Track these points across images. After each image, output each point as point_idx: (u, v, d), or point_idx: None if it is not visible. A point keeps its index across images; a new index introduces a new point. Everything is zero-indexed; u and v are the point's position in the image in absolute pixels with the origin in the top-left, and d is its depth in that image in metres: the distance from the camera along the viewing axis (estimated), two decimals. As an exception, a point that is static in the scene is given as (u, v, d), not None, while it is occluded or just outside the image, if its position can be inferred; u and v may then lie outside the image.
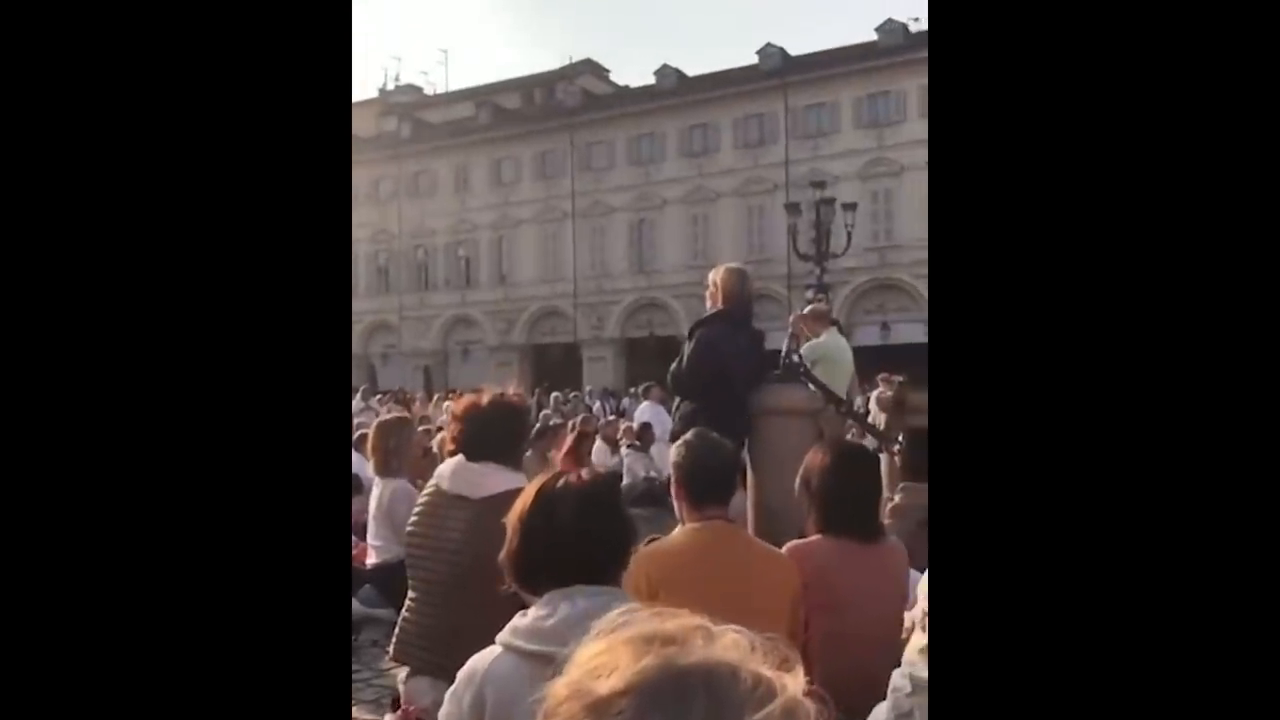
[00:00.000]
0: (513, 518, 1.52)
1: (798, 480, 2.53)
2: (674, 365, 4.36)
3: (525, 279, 33.96)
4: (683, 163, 30.88)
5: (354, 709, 3.00)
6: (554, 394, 20.09)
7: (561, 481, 1.52)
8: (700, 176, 30.74)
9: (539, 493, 1.51)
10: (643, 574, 1.84)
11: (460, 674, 1.41)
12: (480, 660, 1.39)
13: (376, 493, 4.45)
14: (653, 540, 2.23)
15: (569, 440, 8.26)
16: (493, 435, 2.99)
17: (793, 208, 19.17)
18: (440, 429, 9.86)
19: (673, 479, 2.30)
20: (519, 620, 1.39)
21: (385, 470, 4.47)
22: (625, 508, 1.55)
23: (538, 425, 7.45)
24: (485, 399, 3.12)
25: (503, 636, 1.39)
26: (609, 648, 0.57)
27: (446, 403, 17.23)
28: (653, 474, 8.70)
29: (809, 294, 16.81)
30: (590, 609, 1.36)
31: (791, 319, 6.00)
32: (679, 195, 31.09)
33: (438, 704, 2.70)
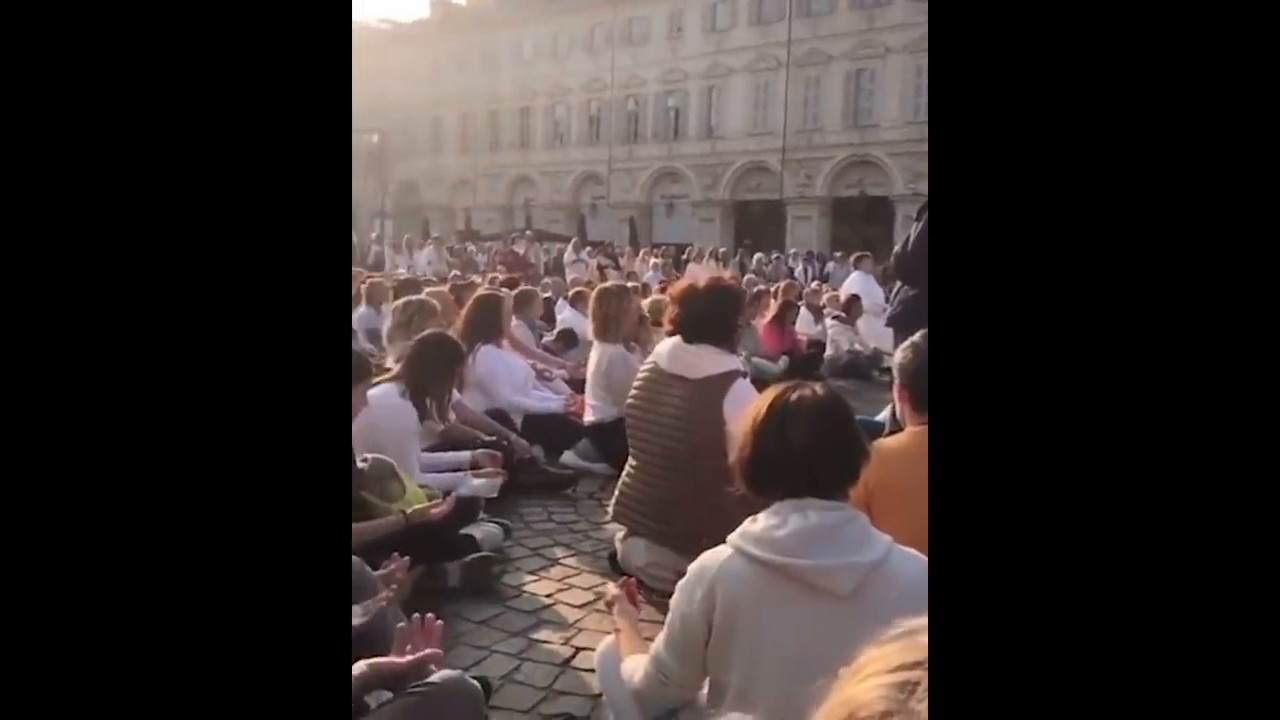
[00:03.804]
0: (745, 425, 1.58)
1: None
2: (898, 247, 4.22)
3: (733, 132, 33.19)
4: (910, 7, 28.36)
5: (573, 560, 3.32)
6: (756, 255, 19.93)
7: (796, 395, 1.56)
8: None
9: (773, 405, 1.56)
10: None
11: (691, 569, 1.53)
12: (712, 558, 1.50)
13: (595, 356, 4.70)
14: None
15: (773, 307, 8.26)
16: (709, 318, 3.08)
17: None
18: (646, 286, 10.15)
19: (896, 381, 2.29)
20: (750, 525, 1.48)
21: (604, 335, 4.69)
22: (858, 424, 1.57)
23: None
24: (702, 282, 3.19)
25: (733, 539, 1.48)
26: None
27: (653, 259, 17.55)
28: (857, 347, 8.58)
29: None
30: (822, 524, 1.43)
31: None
32: (903, 43, 28.70)
33: (652, 564, 2.96)
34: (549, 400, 5.10)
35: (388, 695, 1.65)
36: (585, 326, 6.47)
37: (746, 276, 13.08)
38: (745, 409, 1.80)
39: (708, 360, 2.97)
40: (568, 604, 2.92)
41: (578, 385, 5.44)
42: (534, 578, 3.14)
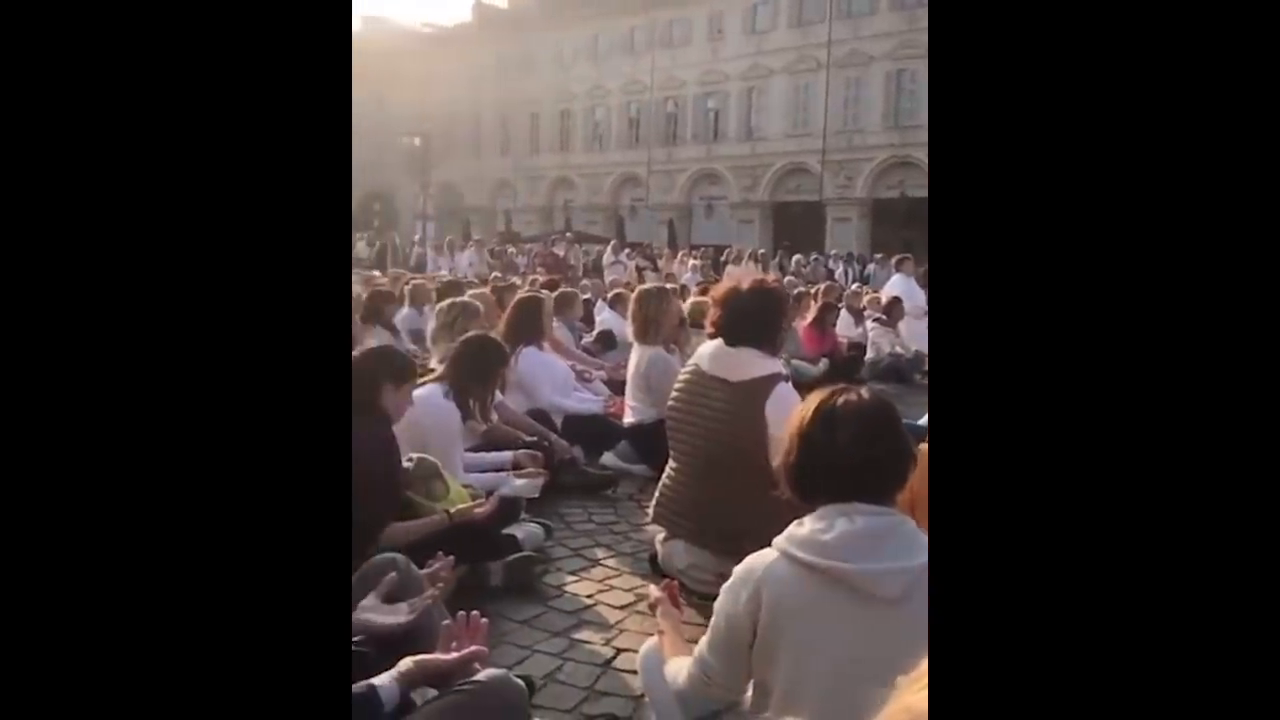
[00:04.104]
0: (790, 430, 1.58)
1: None
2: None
3: (773, 133, 33.05)
4: (953, 7, 27.98)
5: (614, 561, 3.33)
6: (795, 256, 19.83)
7: (841, 399, 1.55)
8: (973, 22, 27.82)
9: (818, 409, 1.56)
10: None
11: (736, 571, 1.53)
12: (758, 560, 1.50)
13: (635, 358, 4.71)
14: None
15: (813, 309, 8.22)
16: (751, 321, 3.07)
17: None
18: (684, 287, 10.15)
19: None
20: (796, 529, 1.48)
21: (644, 337, 4.70)
22: (904, 428, 1.56)
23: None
24: (745, 284, 3.18)
25: (779, 542, 1.48)
26: None
27: (692, 260, 17.53)
28: (899, 349, 8.50)
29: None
30: (869, 528, 1.43)
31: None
32: (946, 43, 28.40)
33: (692, 566, 2.96)
34: (589, 401, 5.12)
35: (433, 692, 1.67)
36: (624, 328, 6.49)
37: (786, 278, 13.02)
38: (787, 412, 1.80)
39: (750, 363, 2.97)
40: (609, 605, 2.93)
41: (617, 387, 5.46)
42: (575, 578, 3.16)
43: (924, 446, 2.26)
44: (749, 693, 1.59)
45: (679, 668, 1.71)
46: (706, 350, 3.10)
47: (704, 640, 1.61)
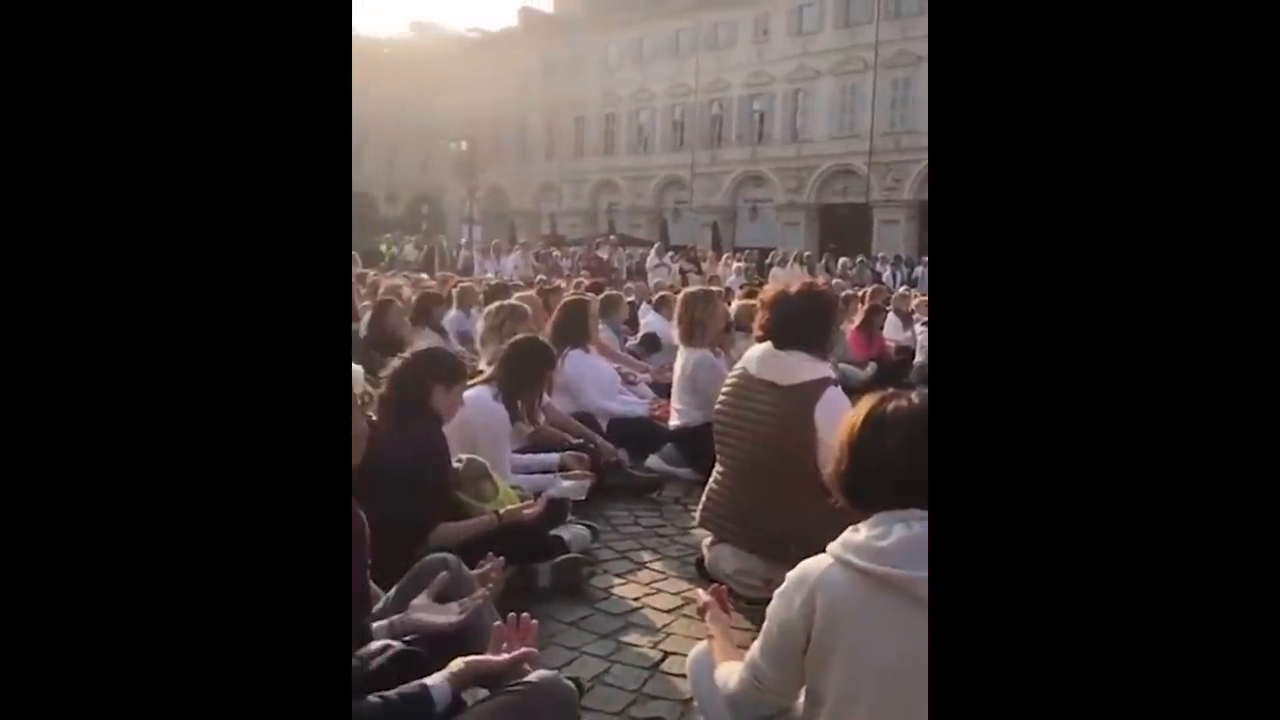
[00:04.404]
0: (841, 437, 1.56)
1: None
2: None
3: (819, 135, 32.81)
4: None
5: (660, 564, 3.33)
6: (841, 259, 19.65)
7: (892, 405, 1.53)
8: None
9: (869, 415, 1.54)
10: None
11: (790, 576, 1.52)
12: (812, 566, 1.48)
13: (681, 360, 4.71)
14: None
15: (860, 312, 8.13)
16: (801, 324, 3.05)
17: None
18: (728, 290, 10.12)
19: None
20: (851, 535, 1.46)
21: (690, 339, 4.70)
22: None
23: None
24: (794, 288, 3.16)
25: (834, 549, 1.47)
26: None
27: (736, 263, 17.48)
28: (947, 354, 8.35)
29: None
30: (926, 534, 1.40)
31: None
32: (997, 42, 27.96)
33: (740, 571, 2.94)
34: (634, 404, 5.12)
35: (484, 693, 1.69)
36: (668, 331, 6.48)
37: (834, 280, 12.91)
38: (837, 417, 1.78)
39: (799, 367, 2.95)
40: (656, 608, 2.93)
41: (661, 390, 5.46)
42: (621, 581, 3.16)
43: None
44: (801, 699, 1.57)
45: (729, 673, 1.70)
46: (755, 353, 3.09)
47: (756, 645, 1.60)
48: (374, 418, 2.53)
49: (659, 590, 3.08)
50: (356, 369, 1.62)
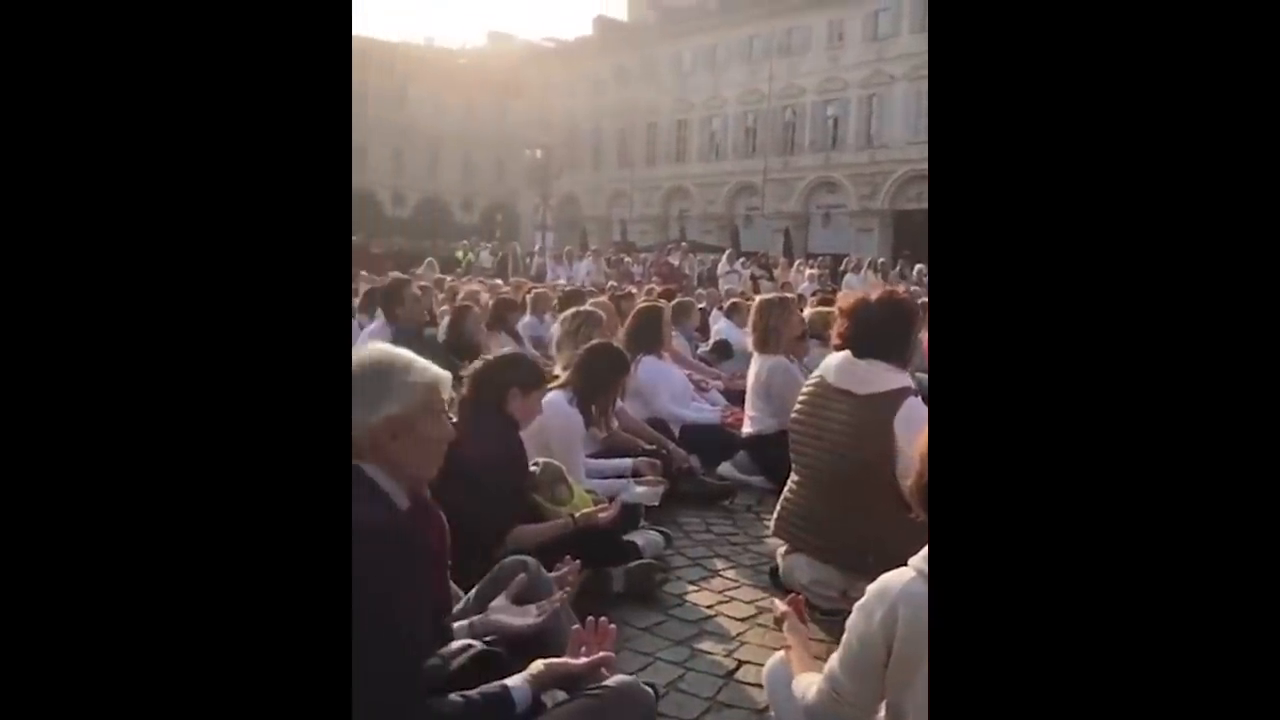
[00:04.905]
0: (921, 448, 1.54)
1: None
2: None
3: (894, 140, 32.30)
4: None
5: (733, 572, 3.31)
6: (917, 265, 19.27)
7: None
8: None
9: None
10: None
11: (871, 589, 1.50)
12: (894, 579, 1.46)
13: (755, 367, 4.68)
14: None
15: (937, 321, 7.97)
16: (880, 333, 3.00)
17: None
18: (801, 297, 10.01)
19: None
20: (934, 549, 1.43)
21: (764, 347, 4.67)
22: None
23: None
24: (874, 296, 3.11)
25: (916, 562, 1.45)
26: None
27: (809, 269, 17.31)
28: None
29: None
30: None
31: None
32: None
33: (815, 582, 2.91)
34: (706, 411, 5.11)
35: (562, 695, 1.70)
36: (740, 338, 6.44)
37: (911, 288, 12.70)
38: (917, 428, 1.75)
39: (878, 376, 2.91)
40: (729, 616, 2.92)
41: (733, 397, 5.43)
42: (695, 588, 3.15)
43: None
44: (881, 713, 1.55)
45: (807, 684, 1.68)
46: (833, 362, 3.06)
47: (835, 658, 1.58)
48: (454, 419, 2.59)
49: (732, 599, 3.07)
50: (444, 374, 1.66)
